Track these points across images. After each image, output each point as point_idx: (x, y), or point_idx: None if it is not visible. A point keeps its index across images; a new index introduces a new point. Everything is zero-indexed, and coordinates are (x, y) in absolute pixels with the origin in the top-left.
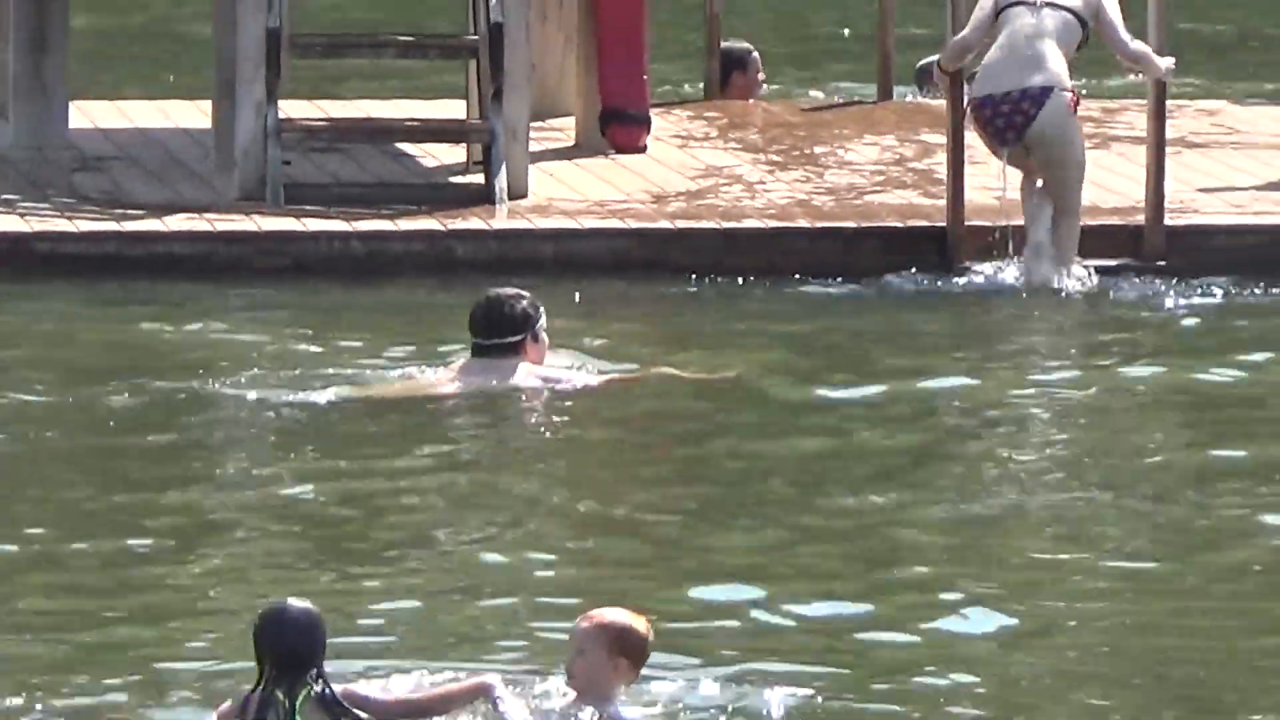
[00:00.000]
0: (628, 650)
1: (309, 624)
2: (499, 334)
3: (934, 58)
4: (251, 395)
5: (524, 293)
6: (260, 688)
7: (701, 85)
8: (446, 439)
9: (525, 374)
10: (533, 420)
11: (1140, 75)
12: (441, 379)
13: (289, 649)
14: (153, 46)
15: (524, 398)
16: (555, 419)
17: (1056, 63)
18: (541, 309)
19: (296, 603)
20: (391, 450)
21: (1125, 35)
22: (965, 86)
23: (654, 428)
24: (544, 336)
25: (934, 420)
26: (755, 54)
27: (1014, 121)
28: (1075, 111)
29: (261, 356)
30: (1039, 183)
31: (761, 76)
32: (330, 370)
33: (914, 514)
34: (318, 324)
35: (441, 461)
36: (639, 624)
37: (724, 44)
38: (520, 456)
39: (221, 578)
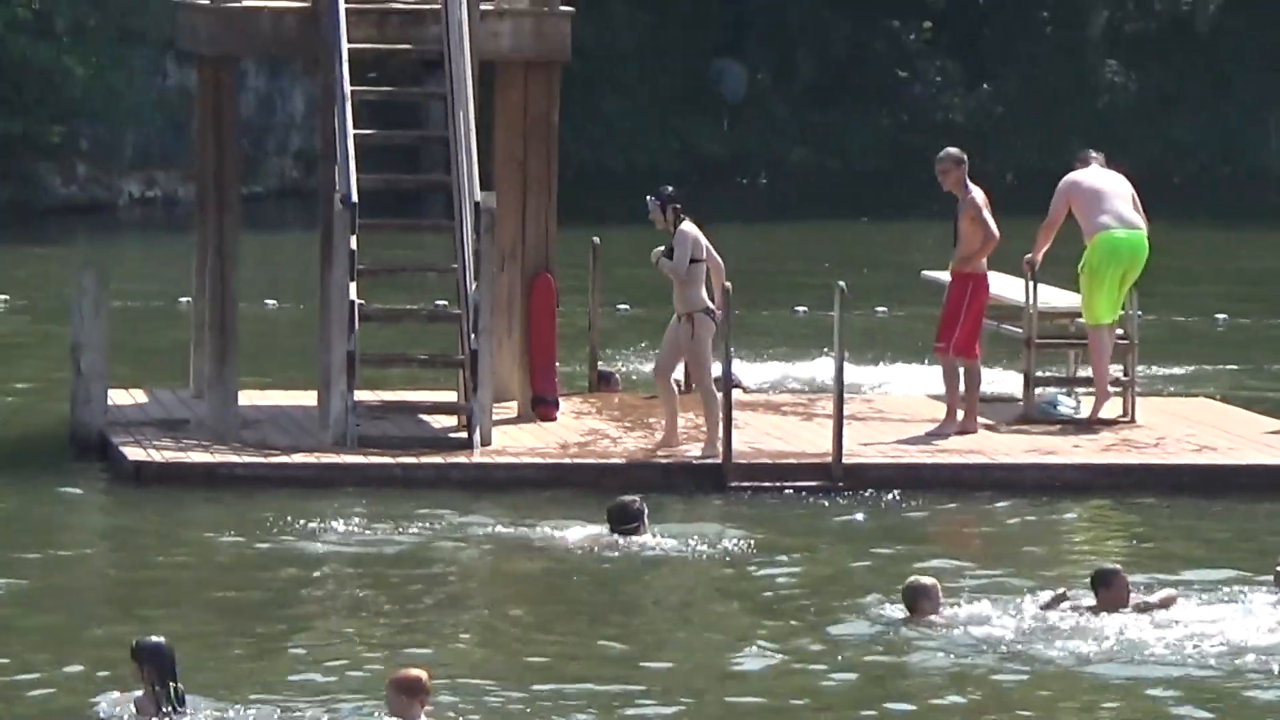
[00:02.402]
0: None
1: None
2: (625, 522)
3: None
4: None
5: (635, 497)
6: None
7: (585, 384)
8: None
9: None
10: None
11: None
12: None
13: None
14: (283, 352)
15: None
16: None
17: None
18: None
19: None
20: None
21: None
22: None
23: None
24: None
25: None
26: (616, 375)
27: None
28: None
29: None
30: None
31: (620, 388)
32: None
33: None
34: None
35: None
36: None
37: (600, 367)
38: None
39: None
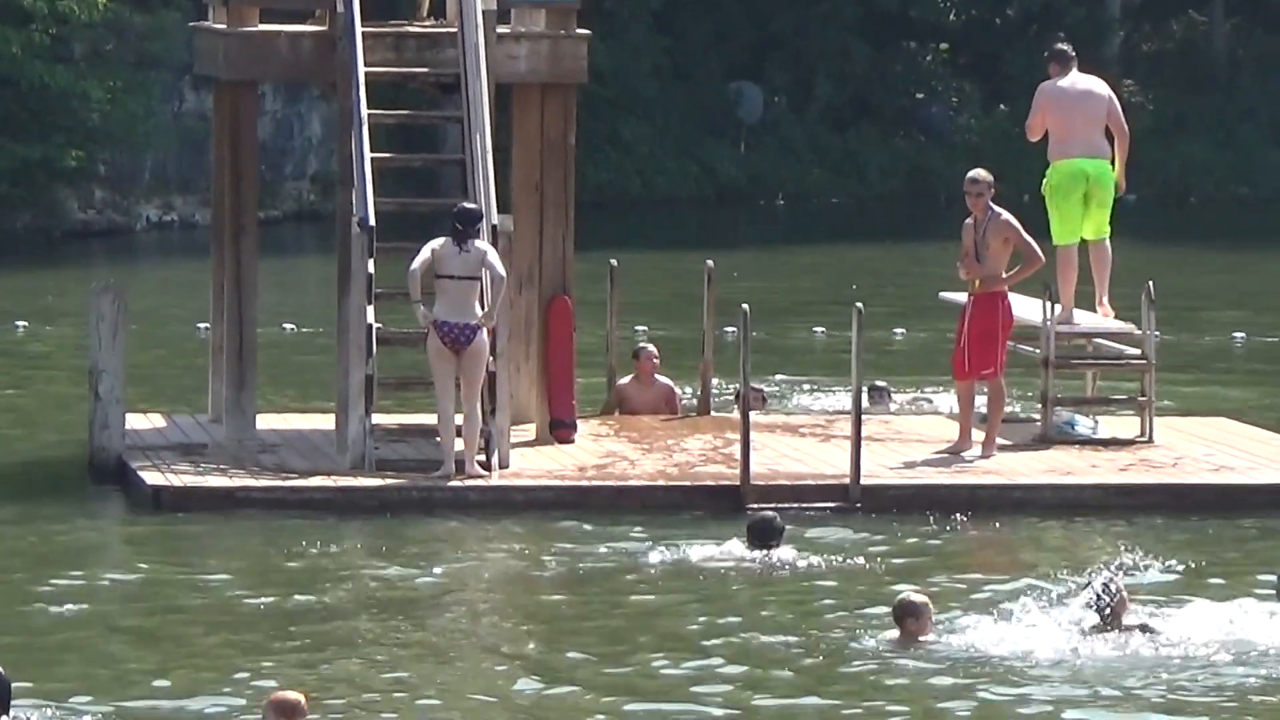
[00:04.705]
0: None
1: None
2: (768, 539)
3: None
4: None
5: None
6: None
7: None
8: None
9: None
10: None
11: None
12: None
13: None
14: (301, 376)
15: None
16: None
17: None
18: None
19: None
20: None
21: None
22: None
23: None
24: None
25: None
26: (650, 346)
27: (460, 342)
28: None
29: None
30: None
31: (656, 360)
32: None
33: None
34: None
35: None
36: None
37: (639, 344)
38: None
39: None
